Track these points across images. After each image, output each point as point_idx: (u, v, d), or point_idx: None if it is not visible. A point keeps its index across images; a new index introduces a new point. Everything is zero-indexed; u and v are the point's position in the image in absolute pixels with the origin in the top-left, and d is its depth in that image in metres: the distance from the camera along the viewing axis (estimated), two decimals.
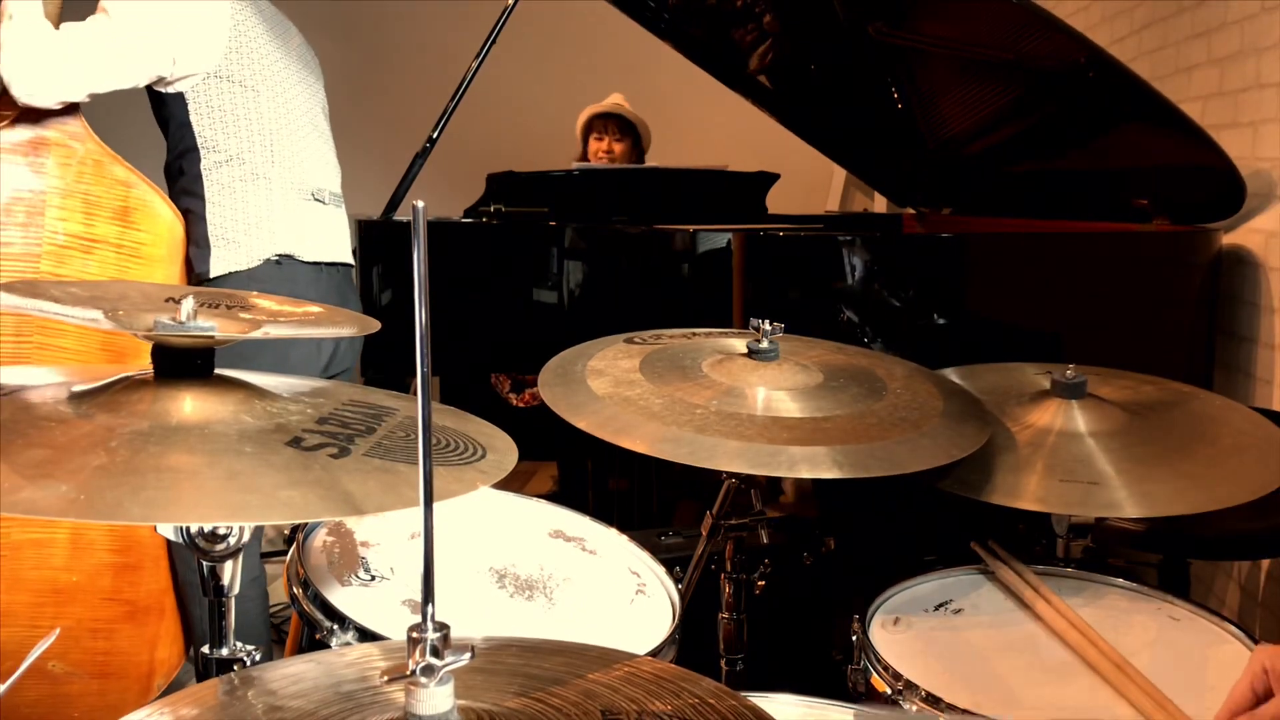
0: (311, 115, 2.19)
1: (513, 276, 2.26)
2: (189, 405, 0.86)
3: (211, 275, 2.01)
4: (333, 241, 2.19)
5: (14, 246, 1.89)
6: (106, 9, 1.88)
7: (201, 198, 2.02)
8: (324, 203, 2.17)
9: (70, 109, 1.94)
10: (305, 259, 2.09)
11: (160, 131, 2.08)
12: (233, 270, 2.02)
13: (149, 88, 2.00)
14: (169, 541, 2.04)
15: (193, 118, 2.00)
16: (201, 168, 2.01)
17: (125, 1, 1.88)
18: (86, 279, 1.94)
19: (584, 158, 3.68)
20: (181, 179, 2.05)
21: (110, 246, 1.97)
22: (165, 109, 2.03)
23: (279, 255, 2.05)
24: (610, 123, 3.62)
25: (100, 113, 2.01)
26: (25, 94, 1.84)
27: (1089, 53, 2.11)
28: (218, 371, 0.93)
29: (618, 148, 3.60)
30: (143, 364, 2.03)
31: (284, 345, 2.01)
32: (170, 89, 1.99)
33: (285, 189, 2.08)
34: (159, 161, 2.12)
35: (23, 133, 1.90)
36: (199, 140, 2.01)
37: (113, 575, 2.02)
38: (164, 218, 2.01)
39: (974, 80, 2.61)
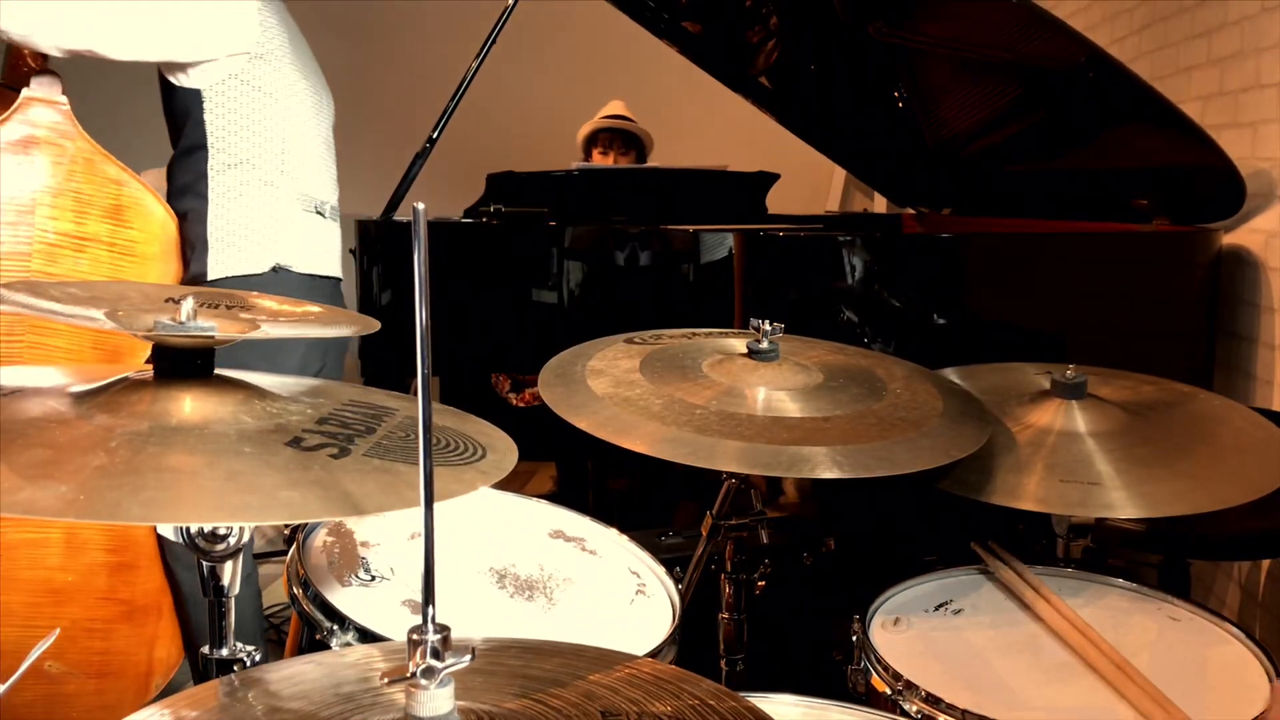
0: (321, 128, 2.18)
1: (513, 276, 2.26)
2: (189, 405, 0.86)
3: (210, 277, 2.00)
4: (327, 255, 2.18)
5: (3, 245, 1.88)
6: None
7: (204, 197, 2.00)
8: (324, 216, 2.16)
9: (59, 108, 1.91)
10: (300, 270, 2.08)
11: (167, 127, 2.04)
12: (230, 275, 2.00)
13: (163, 79, 1.97)
14: (161, 541, 2.03)
15: (207, 116, 1.97)
16: (208, 167, 1.99)
17: None
18: (79, 277, 1.93)
19: None
20: (185, 176, 2.02)
21: (103, 245, 1.96)
22: (178, 103, 1.99)
23: (276, 265, 2.04)
24: (615, 137, 3.58)
25: (92, 113, 1.99)
26: (19, 30, 1.75)
27: (1089, 53, 2.10)
28: (218, 371, 0.93)
29: (623, 162, 3.57)
30: (137, 363, 2.04)
31: (274, 354, 1.98)
32: (187, 83, 1.96)
33: (291, 199, 2.07)
34: (149, 163, 2.11)
35: (13, 130, 1.89)
36: (209, 139, 1.98)
37: (108, 575, 2.01)
38: (156, 216, 2.00)
39: (974, 80, 2.61)
